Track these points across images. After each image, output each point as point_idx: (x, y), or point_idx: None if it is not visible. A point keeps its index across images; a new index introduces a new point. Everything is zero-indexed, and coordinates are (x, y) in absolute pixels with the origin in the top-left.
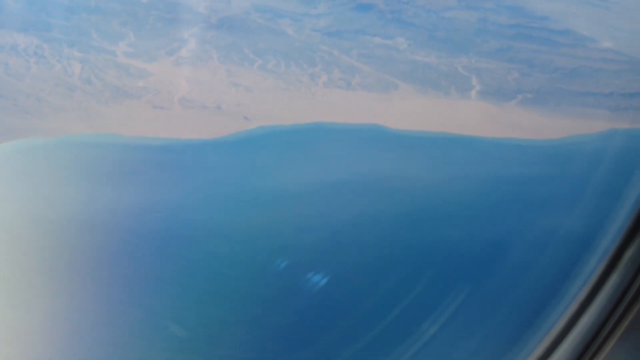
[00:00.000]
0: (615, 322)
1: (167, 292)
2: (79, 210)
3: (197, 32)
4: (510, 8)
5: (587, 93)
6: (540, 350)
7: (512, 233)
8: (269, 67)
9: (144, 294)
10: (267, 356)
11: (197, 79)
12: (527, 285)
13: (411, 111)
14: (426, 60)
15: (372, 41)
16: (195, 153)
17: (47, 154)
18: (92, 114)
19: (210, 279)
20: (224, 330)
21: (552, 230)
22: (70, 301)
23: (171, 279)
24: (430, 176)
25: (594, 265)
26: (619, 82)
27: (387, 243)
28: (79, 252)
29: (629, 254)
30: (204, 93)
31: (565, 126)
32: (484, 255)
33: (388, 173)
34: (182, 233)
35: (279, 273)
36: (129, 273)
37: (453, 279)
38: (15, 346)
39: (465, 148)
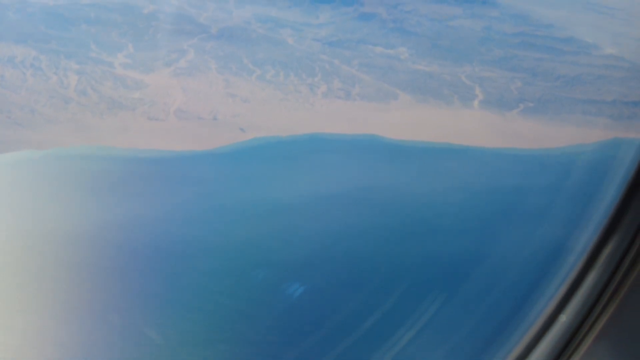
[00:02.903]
0: (593, 320)
1: (151, 308)
2: (68, 224)
3: (197, 42)
4: (515, 16)
5: (589, 101)
6: (520, 347)
7: (502, 245)
8: (268, 77)
9: (129, 309)
10: None
11: (194, 90)
12: (508, 287)
13: (410, 121)
14: (428, 70)
15: (373, 50)
16: (188, 165)
17: (38, 166)
18: (86, 126)
19: (195, 294)
20: (208, 348)
21: (546, 243)
22: (56, 313)
23: (156, 295)
24: (426, 187)
25: (572, 264)
26: (622, 89)
27: (375, 257)
28: (67, 265)
29: (606, 252)
30: (200, 104)
31: (566, 135)
32: (471, 267)
33: (383, 184)
34: (169, 248)
35: (264, 288)
36: (115, 288)
37: (437, 286)
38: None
39: (464, 158)
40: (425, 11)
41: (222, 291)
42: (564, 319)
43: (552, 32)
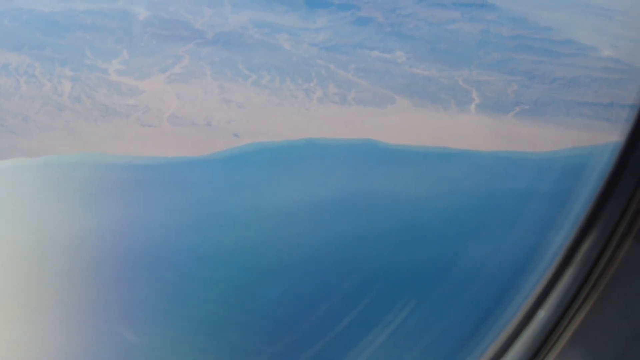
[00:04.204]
0: (570, 316)
1: (141, 317)
2: (61, 231)
3: (192, 48)
4: (513, 19)
5: (586, 103)
6: (498, 344)
7: (497, 248)
8: (263, 82)
9: (120, 316)
10: None
11: (189, 96)
12: (498, 287)
13: (407, 125)
14: (426, 74)
15: (370, 55)
16: (181, 171)
17: (30, 174)
18: (80, 133)
19: (187, 302)
20: (199, 355)
21: (541, 246)
22: (47, 320)
23: (146, 303)
24: (422, 192)
25: (550, 261)
26: (620, 91)
27: (368, 264)
28: (59, 272)
29: (583, 249)
30: (194, 110)
31: (563, 138)
32: (464, 269)
33: (378, 189)
34: (160, 255)
35: (257, 296)
36: (107, 295)
37: (428, 287)
38: None
39: (460, 162)
40: (423, 15)
41: (214, 299)
42: (542, 314)
43: (550, 34)
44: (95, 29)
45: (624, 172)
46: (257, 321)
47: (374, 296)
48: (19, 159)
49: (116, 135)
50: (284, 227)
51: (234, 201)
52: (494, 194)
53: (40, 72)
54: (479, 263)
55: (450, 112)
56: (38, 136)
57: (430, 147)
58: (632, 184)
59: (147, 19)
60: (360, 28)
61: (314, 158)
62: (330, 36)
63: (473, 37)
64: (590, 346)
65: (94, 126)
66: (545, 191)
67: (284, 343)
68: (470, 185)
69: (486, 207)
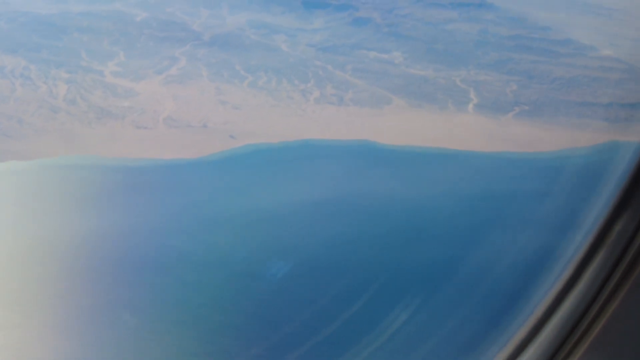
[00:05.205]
0: (600, 305)
1: (138, 320)
2: (53, 234)
3: (189, 49)
4: (512, 19)
5: (585, 103)
6: (518, 339)
7: (493, 254)
8: (260, 83)
9: (112, 320)
10: None
11: (185, 98)
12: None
13: (404, 125)
14: (423, 74)
15: (367, 55)
16: (178, 173)
17: (25, 177)
18: (75, 136)
19: (183, 305)
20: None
21: (540, 246)
22: (37, 324)
23: (142, 306)
24: (420, 193)
25: (565, 266)
26: (619, 91)
27: (363, 266)
28: (51, 276)
29: (616, 229)
30: (190, 112)
31: (562, 138)
32: (463, 271)
33: (376, 190)
34: (154, 259)
35: (255, 298)
36: (99, 299)
37: (434, 287)
38: None
39: (458, 163)
40: (420, 15)
41: (212, 300)
42: (566, 308)
43: (549, 34)
44: (92, 30)
45: None
46: (254, 323)
47: (376, 297)
48: (13, 162)
49: (112, 138)
50: (281, 228)
51: (230, 203)
52: (492, 195)
53: (36, 74)
54: (482, 264)
55: (448, 113)
56: (33, 139)
57: (428, 147)
58: None
59: (143, 21)
60: (358, 29)
61: (311, 159)
62: (328, 37)
63: (471, 37)
64: (622, 336)
65: (90, 128)
66: (544, 191)
67: (282, 345)
68: (469, 186)
69: (484, 207)
